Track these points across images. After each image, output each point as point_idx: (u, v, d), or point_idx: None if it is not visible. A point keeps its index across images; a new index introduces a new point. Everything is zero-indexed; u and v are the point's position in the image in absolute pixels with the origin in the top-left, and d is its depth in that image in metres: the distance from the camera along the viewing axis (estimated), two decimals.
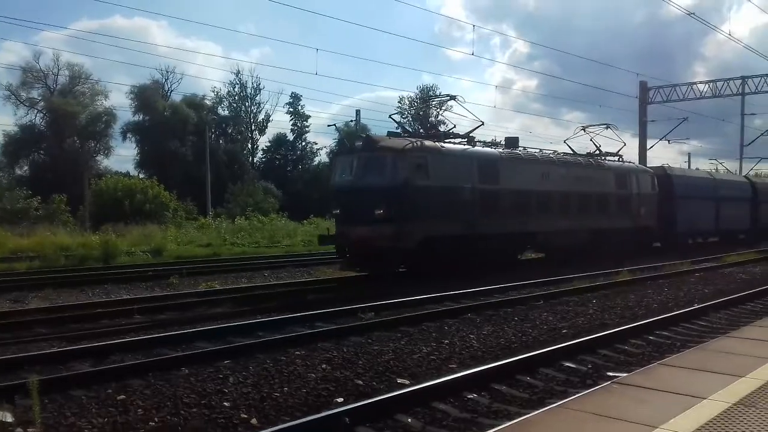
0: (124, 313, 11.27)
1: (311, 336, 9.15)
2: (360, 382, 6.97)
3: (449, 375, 6.98)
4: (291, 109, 67.85)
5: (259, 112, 67.88)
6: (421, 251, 15.53)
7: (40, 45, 67.79)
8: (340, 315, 10.93)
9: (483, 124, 18.54)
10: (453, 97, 18.40)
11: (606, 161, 23.39)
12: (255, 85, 67.26)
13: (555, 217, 19.64)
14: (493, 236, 17.49)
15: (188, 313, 11.52)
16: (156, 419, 5.74)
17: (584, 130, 23.77)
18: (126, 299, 12.78)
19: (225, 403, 6.16)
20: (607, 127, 23.88)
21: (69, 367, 7.55)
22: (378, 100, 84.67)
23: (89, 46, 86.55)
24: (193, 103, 58.36)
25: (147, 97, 55.96)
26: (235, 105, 67.17)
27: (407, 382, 7.01)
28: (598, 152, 23.59)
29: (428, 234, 15.57)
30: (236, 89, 66.98)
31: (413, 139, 16.53)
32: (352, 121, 47.51)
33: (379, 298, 12.20)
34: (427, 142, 16.61)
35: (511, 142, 19.87)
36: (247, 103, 67.37)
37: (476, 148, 17.95)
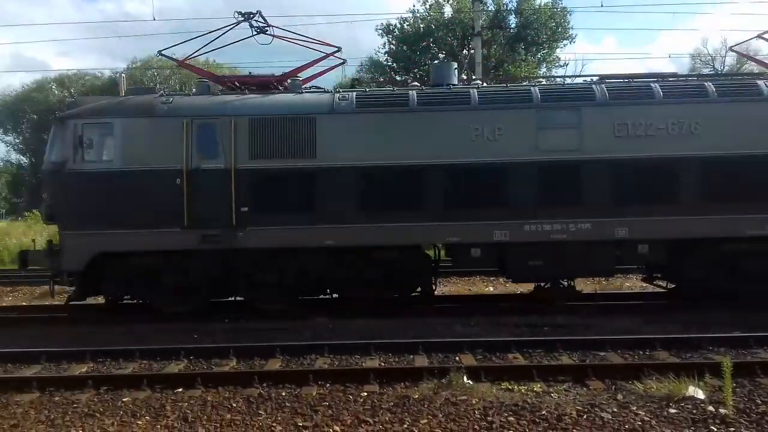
0: None
1: None
2: None
3: None
4: None
5: None
6: (96, 278, 10.73)
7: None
8: None
9: (340, 50, 11.74)
10: None
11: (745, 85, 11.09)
12: None
13: (528, 212, 10.52)
14: (298, 253, 10.71)
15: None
16: None
17: (759, 37, 13.44)
18: None
19: None
20: None
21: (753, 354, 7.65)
22: None
23: None
24: None
25: None
26: None
27: None
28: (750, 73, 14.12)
29: (105, 250, 10.50)
30: None
31: (114, 97, 11.50)
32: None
33: None
34: (134, 98, 11.04)
35: (441, 75, 11.42)
36: None
37: (262, 96, 11.02)
